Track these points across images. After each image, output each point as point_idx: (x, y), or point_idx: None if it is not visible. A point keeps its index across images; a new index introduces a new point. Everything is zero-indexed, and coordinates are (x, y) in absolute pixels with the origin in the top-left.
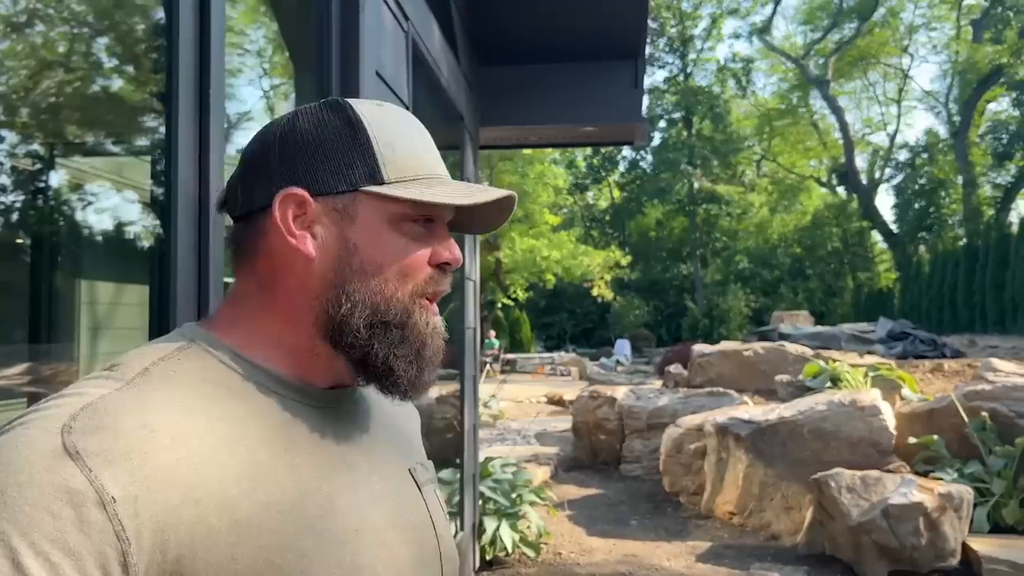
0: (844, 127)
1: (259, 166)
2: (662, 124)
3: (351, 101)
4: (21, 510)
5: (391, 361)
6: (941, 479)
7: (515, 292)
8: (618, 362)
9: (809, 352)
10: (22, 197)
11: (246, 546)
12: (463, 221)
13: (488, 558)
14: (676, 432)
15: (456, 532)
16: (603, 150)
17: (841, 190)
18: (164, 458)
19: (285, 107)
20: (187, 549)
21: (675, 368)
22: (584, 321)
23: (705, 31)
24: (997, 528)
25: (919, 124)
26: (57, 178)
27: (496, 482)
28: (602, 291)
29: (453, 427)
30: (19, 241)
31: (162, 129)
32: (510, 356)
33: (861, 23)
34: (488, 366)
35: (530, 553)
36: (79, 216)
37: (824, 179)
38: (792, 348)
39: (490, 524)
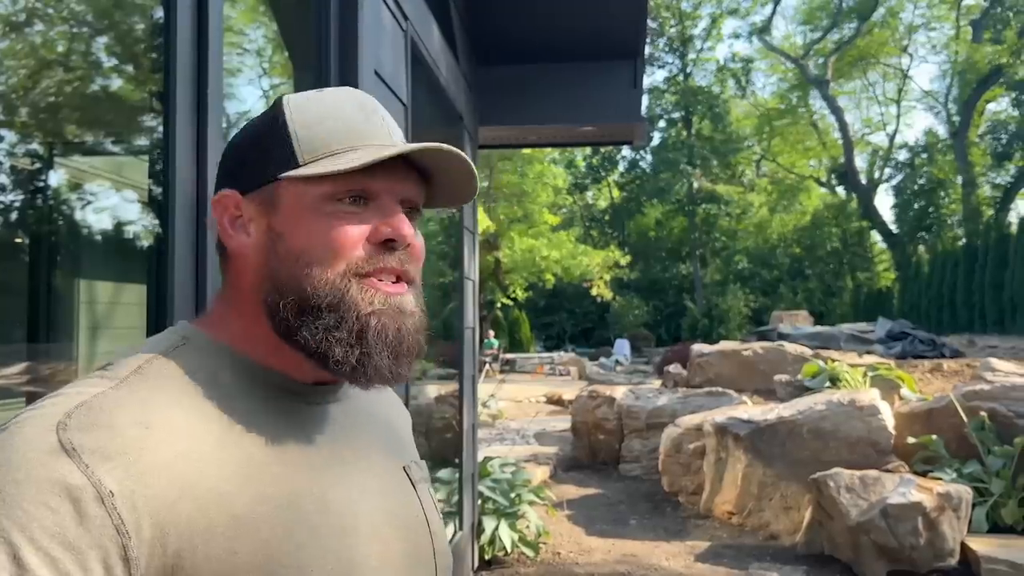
0: (844, 127)
1: (217, 176)
2: (662, 124)
3: (291, 95)
4: (20, 507)
5: (325, 347)
6: (940, 479)
7: (514, 292)
8: (617, 362)
9: (808, 352)
10: (21, 197)
11: (245, 540)
12: (432, 195)
13: (487, 558)
14: (675, 432)
15: (455, 531)
16: (602, 150)
17: (840, 190)
18: (160, 454)
19: None
20: (187, 543)
21: (674, 368)
22: (583, 321)
23: (705, 31)
24: (996, 528)
25: (919, 124)
26: (56, 178)
27: (495, 482)
28: (601, 291)
29: (452, 427)
30: (18, 240)
31: (160, 129)
32: (509, 356)
33: (861, 23)
34: (487, 366)
35: (529, 553)
36: (78, 216)
37: (823, 179)
38: (791, 348)
39: (489, 524)
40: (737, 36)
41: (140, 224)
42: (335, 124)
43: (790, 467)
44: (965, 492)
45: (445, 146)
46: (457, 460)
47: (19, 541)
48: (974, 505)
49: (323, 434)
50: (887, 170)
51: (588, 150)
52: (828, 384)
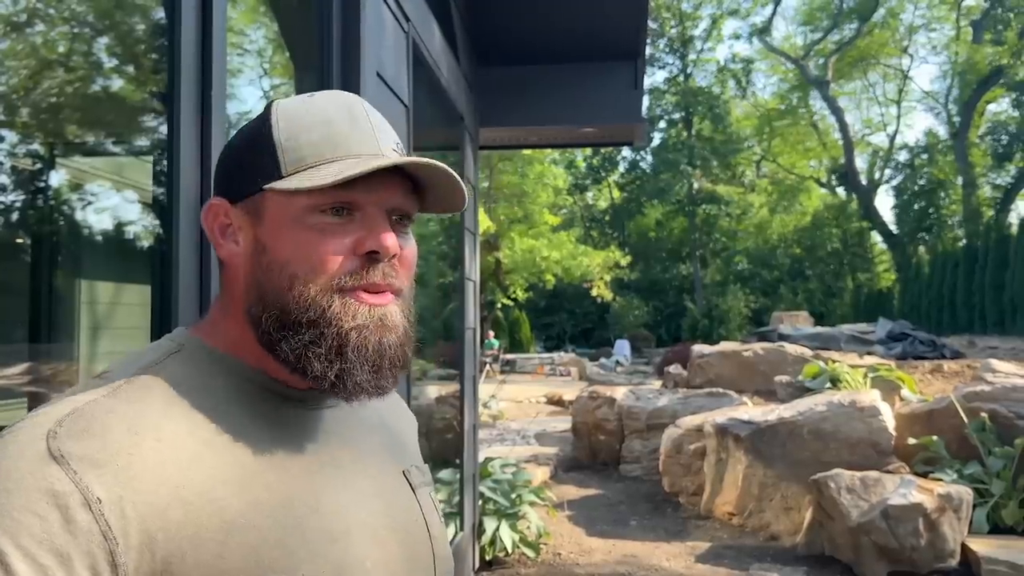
0: (844, 128)
1: (214, 180)
2: (662, 124)
3: (282, 100)
4: (9, 515)
5: (305, 361)
6: (940, 480)
7: (515, 292)
8: (618, 362)
9: (808, 353)
10: (24, 197)
11: (235, 546)
12: (425, 202)
13: (488, 558)
14: (676, 432)
15: (456, 532)
16: (603, 150)
17: (841, 191)
18: (150, 460)
19: None
20: (176, 548)
21: (675, 368)
22: (584, 321)
23: (705, 32)
24: (996, 529)
25: (919, 125)
26: (59, 178)
27: (496, 482)
28: (602, 291)
29: (453, 427)
30: (20, 241)
31: (164, 129)
32: (510, 356)
33: (861, 24)
34: (488, 366)
35: (530, 553)
36: (81, 216)
37: (824, 180)
38: (792, 349)
39: (490, 524)
40: (737, 37)
41: (143, 225)
42: (319, 134)
43: (791, 468)
44: (966, 493)
45: (424, 160)
46: (458, 461)
47: (8, 549)
48: (975, 506)
49: (318, 439)
50: (887, 171)
51: (588, 151)
52: (829, 385)
